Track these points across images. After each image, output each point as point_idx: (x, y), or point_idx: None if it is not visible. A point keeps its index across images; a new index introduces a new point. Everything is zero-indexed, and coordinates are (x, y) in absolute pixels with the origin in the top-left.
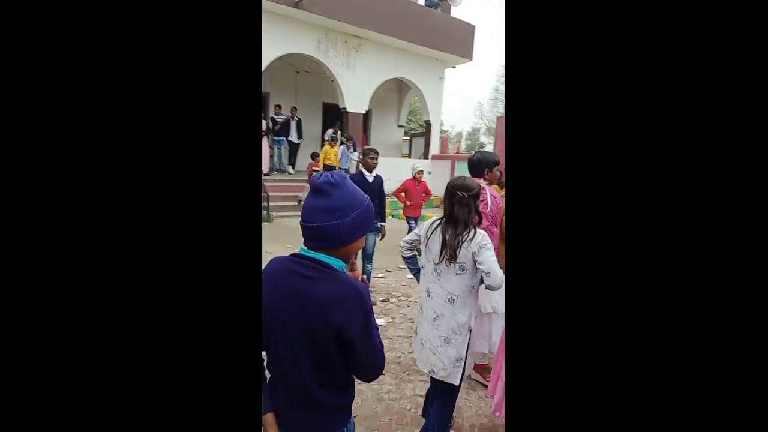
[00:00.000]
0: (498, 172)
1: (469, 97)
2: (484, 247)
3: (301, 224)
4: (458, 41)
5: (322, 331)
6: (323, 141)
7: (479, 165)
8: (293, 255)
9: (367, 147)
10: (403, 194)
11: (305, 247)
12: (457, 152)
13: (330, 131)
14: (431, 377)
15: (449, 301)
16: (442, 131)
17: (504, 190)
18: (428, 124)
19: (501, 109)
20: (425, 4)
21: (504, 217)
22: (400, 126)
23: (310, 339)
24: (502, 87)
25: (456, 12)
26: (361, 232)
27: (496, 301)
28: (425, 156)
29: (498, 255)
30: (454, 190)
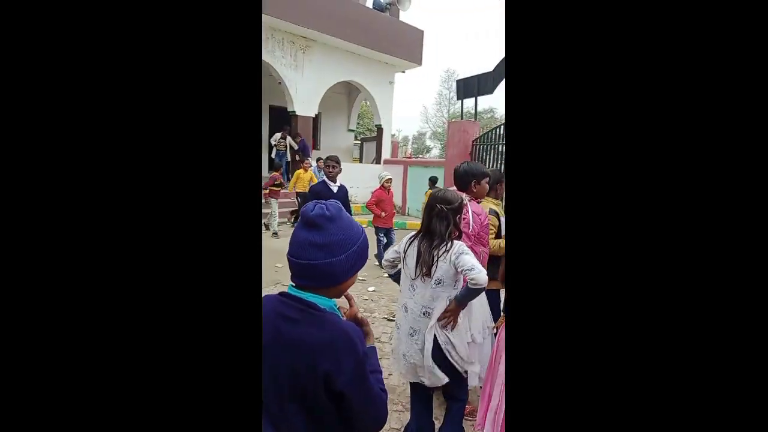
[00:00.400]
0: (487, 185)
1: (414, 101)
2: (462, 254)
3: (288, 258)
4: (407, 46)
5: (309, 380)
6: (270, 145)
7: (465, 177)
8: (281, 294)
9: (328, 156)
10: (375, 206)
11: (293, 285)
12: (409, 157)
13: (277, 135)
14: (413, 405)
15: (424, 314)
16: (392, 135)
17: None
18: (380, 129)
19: (445, 113)
20: (373, 7)
21: (503, 235)
22: (350, 130)
23: (299, 388)
24: (447, 92)
25: (403, 17)
26: (357, 270)
27: (476, 328)
28: (377, 161)
29: None
30: (434, 202)
